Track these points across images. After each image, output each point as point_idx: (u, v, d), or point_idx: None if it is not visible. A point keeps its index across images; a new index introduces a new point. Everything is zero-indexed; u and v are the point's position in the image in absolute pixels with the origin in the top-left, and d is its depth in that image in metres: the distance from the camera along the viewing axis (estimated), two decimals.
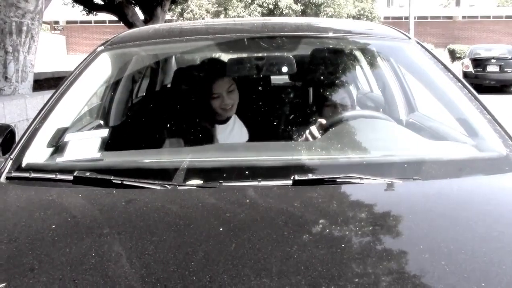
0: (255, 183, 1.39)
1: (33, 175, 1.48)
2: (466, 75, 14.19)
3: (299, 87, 2.74)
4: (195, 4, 28.31)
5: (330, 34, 2.19)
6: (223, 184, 1.40)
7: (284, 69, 2.28)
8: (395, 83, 2.71)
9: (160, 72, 3.51)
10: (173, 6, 18.92)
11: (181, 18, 27.99)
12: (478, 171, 1.52)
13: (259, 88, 2.49)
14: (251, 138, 2.24)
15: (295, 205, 1.27)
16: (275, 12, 27.13)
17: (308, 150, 1.71)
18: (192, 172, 1.47)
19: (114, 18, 15.52)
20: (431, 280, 0.98)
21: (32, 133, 1.69)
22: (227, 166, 1.55)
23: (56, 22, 40.54)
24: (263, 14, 27.04)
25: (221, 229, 1.15)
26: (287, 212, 1.23)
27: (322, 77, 2.45)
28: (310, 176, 1.40)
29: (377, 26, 2.56)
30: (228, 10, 28.12)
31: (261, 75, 2.38)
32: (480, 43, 23.24)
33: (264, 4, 27.46)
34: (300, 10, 27.72)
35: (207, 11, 28.83)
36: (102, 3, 14.54)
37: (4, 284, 0.99)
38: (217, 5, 28.90)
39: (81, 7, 15.18)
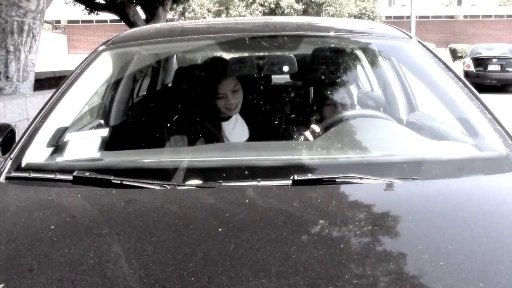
0: (254, 183, 1.39)
1: (33, 175, 1.48)
2: (467, 74, 14.18)
3: (300, 86, 2.73)
4: (197, 3, 28.33)
5: (331, 34, 2.18)
6: (223, 184, 1.40)
7: (285, 68, 2.28)
8: (396, 82, 2.70)
9: (161, 71, 3.51)
10: (174, 6, 18.92)
11: (183, 18, 28.01)
12: (478, 170, 1.51)
13: (260, 87, 2.49)
14: (252, 137, 2.24)
15: (295, 205, 1.27)
16: (277, 11, 27.13)
17: (308, 150, 1.71)
18: (192, 172, 1.47)
19: (116, 17, 15.52)
20: (429, 281, 0.98)
21: (32, 133, 1.69)
22: (226, 166, 1.55)
23: (58, 22, 40.64)
24: (264, 13, 27.04)
25: (220, 229, 1.15)
26: (286, 212, 1.23)
27: (323, 77, 2.45)
28: (309, 176, 1.40)
29: (378, 26, 2.56)
30: (230, 9, 28.13)
31: (262, 74, 2.38)
32: (482, 43, 23.21)
33: (266, 3, 27.46)
34: (302, 9, 27.70)
35: (209, 11, 28.85)
36: (104, 2, 14.54)
37: (3, 285, 0.99)
38: (218, 4, 28.90)
39: (83, 7, 15.18)
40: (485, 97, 1.83)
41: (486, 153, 1.61)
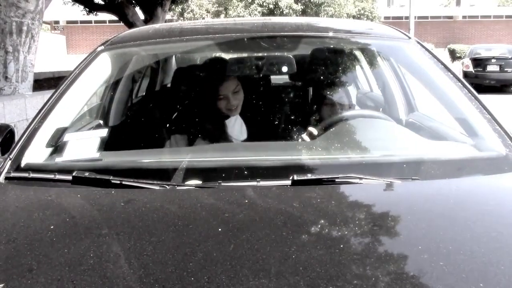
0: (254, 183, 1.39)
1: (32, 175, 1.48)
2: (466, 74, 14.19)
3: (299, 86, 2.74)
4: (196, 4, 28.32)
5: (330, 34, 2.19)
6: (222, 184, 1.40)
7: (284, 68, 2.29)
8: (395, 82, 2.71)
9: (160, 72, 3.51)
10: (173, 6, 18.91)
11: (182, 18, 28.00)
12: (477, 171, 1.51)
13: (259, 87, 2.49)
14: (251, 137, 2.24)
15: (294, 205, 1.27)
16: (276, 12, 27.12)
17: (307, 150, 1.71)
18: (191, 172, 1.47)
19: (115, 18, 15.51)
20: (429, 281, 0.98)
21: (32, 133, 1.69)
22: (226, 166, 1.55)
23: (57, 22, 40.58)
24: (263, 14, 27.04)
25: (219, 229, 1.15)
26: (286, 213, 1.23)
27: (322, 77, 2.45)
28: (309, 176, 1.40)
29: (377, 26, 2.56)
30: (229, 10, 28.13)
31: (261, 75, 2.38)
32: (481, 43, 23.25)
33: (265, 4, 27.45)
34: (300, 10, 27.70)
35: (208, 11, 28.84)
36: (103, 3, 14.53)
37: (2, 285, 0.99)
38: (217, 5, 28.91)
39: (81, 7, 15.17)
40: (484, 98, 1.83)
41: (485, 153, 1.61)
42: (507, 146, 1.57)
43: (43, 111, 1.78)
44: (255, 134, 2.24)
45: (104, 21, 35.29)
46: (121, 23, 14.84)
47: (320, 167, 1.53)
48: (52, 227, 1.20)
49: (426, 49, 2.08)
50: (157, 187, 1.39)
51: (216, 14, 28.40)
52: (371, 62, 2.93)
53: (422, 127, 2.23)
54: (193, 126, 2.08)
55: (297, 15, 26.50)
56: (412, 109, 2.63)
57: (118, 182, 1.40)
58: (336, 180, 1.38)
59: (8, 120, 5.01)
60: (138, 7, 14.93)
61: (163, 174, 1.50)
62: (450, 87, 1.87)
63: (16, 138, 1.77)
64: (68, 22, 39.63)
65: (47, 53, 27.80)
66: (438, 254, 1.05)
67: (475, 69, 14.63)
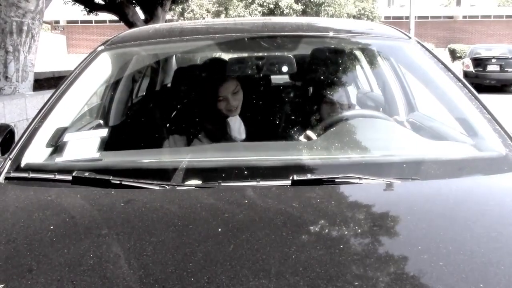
0: (254, 183, 1.39)
1: (32, 175, 1.48)
2: (466, 74, 14.20)
3: (299, 86, 2.73)
4: (196, 3, 28.32)
5: (330, 34, 2.19)
6: (222, 184, 1.40)
7: (284, 68, 2.28)
8: (395, 82, 2.71)
9: (161, 71, 3.51)
10: (173, 6, 18.92)
11: (182, 18, 28.00)
12: (477, 171, 1.51)
13: (259, 87, 2.49)
14: (250, 137, 2.24)
15: (294, 206, 1.27)
16: (276, 11, 27.13)
17: (307, 150, 1.70)
18: (191, 172, 1.47)
19: (115, 18, 15.52)
20: (429, 281, 0.98)
21: (32, 133, 1.69)
22: (225, 166, 1.55)
23: (57, 22, 40.61)
24: (263, 14, 27.04)
25: (219, 229, 1.15)
26: (285, 213, 1.23)
27: (322, 77, 2.45)
28: (309, 176, 1.40)
29: (378, 26, 2.56)
30: (229, 9, 28.14)
31: (261, 75, 2.38)
32: (481, 43, 23.25)
33: (265, 4, 27.46)
34: (301, 10, 27.70)
35: (208, 11, 28.84)
36: (103, 2, 14.54)
37: (2, 285, 0.99)
38: (217, 5, 28.91)
39: (82, 7, 15.17)
40: (484, 97, 1.83)
41: (485, 153, 1.61)
42: (507, 146, 1.57)
43: (43, 111, 1.78)
44: (255, 134, 2.23)
45: (104, 21, 35.31)
46: (122, 23, 14.85)
47: (320, 167, 1.53)
48: (52, 227, 1.20)
49: (427, 49, 2.08)
50: (157, 187, 1.39)
51: (217, 14, 28.40)
52: (371, 62, 2.93)
53: (422, 127, 2.23)
54: (193, 126, 2.08)
55: (297, 15, 26.49)
56: (412, 109, 2.63)
57: (118, 182, 1.39)
58: (336, 180, 1.38)
59: (8, 120, 5.01)
60: (139, 7, 14.93)
61: (163, 174, 1.50)
62: (450, 87, 1.87)
63: (16, 138, 1.77)
64: (68, 22, 39.65)
65: (48, 53, 27.81)
66: (438, 254, 1.05)
67: (475, 69, 14.63)
